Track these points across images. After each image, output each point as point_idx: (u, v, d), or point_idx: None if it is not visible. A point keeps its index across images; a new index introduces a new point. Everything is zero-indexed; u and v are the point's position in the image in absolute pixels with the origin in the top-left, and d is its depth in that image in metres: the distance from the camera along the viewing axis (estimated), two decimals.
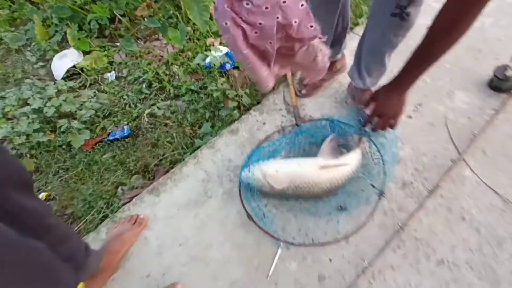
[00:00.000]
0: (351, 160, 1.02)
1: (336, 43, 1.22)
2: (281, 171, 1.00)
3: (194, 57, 1.75)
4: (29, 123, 1.50)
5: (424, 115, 1.22)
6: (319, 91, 1.34)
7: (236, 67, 1.63)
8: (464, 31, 0.70)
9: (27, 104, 1.59)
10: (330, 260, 0.95)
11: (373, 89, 1.21)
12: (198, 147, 1.29)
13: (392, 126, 0.99)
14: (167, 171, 1.25)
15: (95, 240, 1.10)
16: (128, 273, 1.02)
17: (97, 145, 1.51)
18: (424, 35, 0.76)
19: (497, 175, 1.03)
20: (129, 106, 1.64)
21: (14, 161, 0.74)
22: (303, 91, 1.33)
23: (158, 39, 1.96)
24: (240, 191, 1.10)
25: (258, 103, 1.41)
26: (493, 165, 1.06)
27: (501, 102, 1.16)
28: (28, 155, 1.49)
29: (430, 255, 0.92)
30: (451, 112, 1.21)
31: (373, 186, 1.03)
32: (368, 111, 1.00)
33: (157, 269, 1.01)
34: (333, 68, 1.36)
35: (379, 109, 0.97)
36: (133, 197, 1.19)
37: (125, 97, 1.68)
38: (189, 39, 1.84)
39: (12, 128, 1.48)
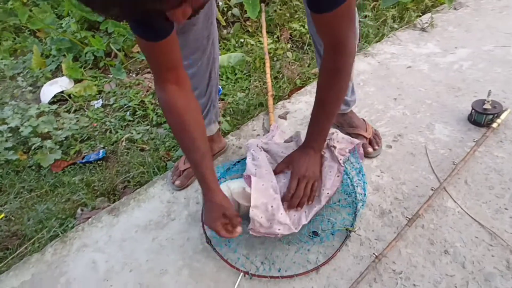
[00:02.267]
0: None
1: (209, 109, 1.13)
2: (248, 188, 0.96)
3: None
4: (1, 141, 1.51)
5: (404, 145, 1.22)
6: (195, 180, 1.17)
7: (222, 99, 1.69)
8: (346, 80, 0.86)
9: (5, 123, 1.62)
10: None
11: (351, 109, 1.23)
12: (170, 169, 1.27)
13: (312, 191, 0.94)
14: (132, 192, 1.21)
15: (38, 262, 1.02)
16: None
17: (68, 167, 1.49)
18: (317, 95, 0.90)
19: (481, 206, 0.99)
20: (110, 132, 1.67)
21: None
22: (177, 182, 1.15)
23: (149, 72, 2.07)
24: (202, 212, 1.04)
25: (238, 128, 1.42)
26: (477, 197, 1.02)
27: (481, 135, 1.17)
28: None
29: None
30: (431, 143, 1.21)
31: (347, 229, 0.97)
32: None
33: None
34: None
35: (297, 173, 0.93)
36: (90, 217, 1.13)
37: (107, 123, 1.71)
38: None
39: None
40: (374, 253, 0.90)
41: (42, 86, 2.00)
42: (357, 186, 1.06)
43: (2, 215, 1.30)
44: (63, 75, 2.03)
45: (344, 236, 0.96)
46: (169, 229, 1.05)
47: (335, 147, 1.02)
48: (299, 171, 0.94)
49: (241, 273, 0.90)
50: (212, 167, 0.87)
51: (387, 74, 1.59)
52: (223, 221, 0.84)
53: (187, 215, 1.08)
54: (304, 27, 2.07)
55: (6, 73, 2.17)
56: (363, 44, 1.86)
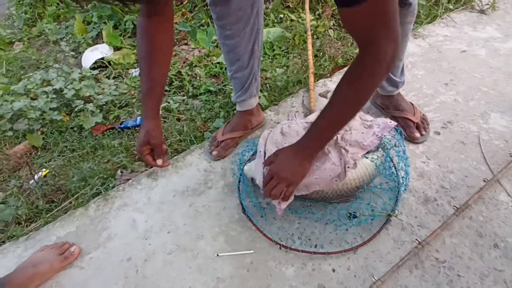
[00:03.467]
0: (368, 162, 0.96)
1: (251, 82, 1.11)
2: None
3: (218, 62, 1.82)
4: (47, 101, 1.58)
5: (454, 132, 1.16)
6: (233, 151, 1.20)
7: None
8: (368, 90, 0.73)
9: (50, 85, 1.69)
10: (334, 270, 0.85)
11: (399, 91, 1.17)
12: (207, 139, 1.28)
13: (285, 195, 0.84)
14: (170, 159, 1.23)
15: (82, 216, 1.08)
16: (108, 253, 0.96)
17: (107, 131, 1.54)
18: (331, 95, 0.77)
19: None
20: None
21: None
22: (214, 152, 1.17)
23: (186, 43, 2.07)
24: (239, 183, 1.05)
25: (275, 104, 1.40)
26: None
27: None
28: (39, 132, 1.55)
29: (453, 282, 0.80)
30: (485, 132, 1.14)
31: (388, 215, 0.93)
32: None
33: (140, 254, 0.95)
34: (248, 125, 1.23)
35: (274, 169, 0.84)
36: (130, 178, 1.17)
37: None
38: (216, 45, 1.93)
39: (30, 103, 1.56)
40: (417, 239, 0.87)
41: (83, 51, 2.06)
42: (399, 170, 1.02)
43: (47, 171, 1.38)
44: (103, 42, 2.08)
45: (384, 220, 0.94)
46: (206, 197, 1.07)
47: (346, 151, 0.91)
48: (275, 169, 0.84)
49: (277, 245, 0.91)
50: (157, 97, 0.89)
51: (439, 58, 1.50)
52: (148, 147, 0.88)
53: (224, 185, 1.10)
54: None
55: (50, 37, 2.25)
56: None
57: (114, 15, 2.15)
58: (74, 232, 1.03)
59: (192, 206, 1.05)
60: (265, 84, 1.60)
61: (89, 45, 2.10)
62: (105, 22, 2.18)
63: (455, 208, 0.92)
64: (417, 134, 1.13)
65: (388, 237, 0.91)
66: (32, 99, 1.65)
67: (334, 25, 1.92)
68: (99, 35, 2.18)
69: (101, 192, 1.14)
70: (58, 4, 2.50)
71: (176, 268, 0.91)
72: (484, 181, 0.98)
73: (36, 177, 1.33)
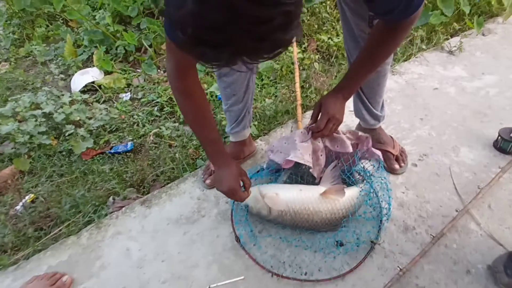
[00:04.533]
0: (354, 193, 1.05)
1: (244, 114, 1.22)
2: (281, 194, 1.03)
3: (208, 89, 1.90)
4: (36, 125, 1.59)
5: (429, 164, 1.28)
6: None
7: None
8: (400, 40, 0.88)
9: (39, 108, 1.70)
10: None
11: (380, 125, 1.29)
12: (200, 167, 1.34)
13: (331, 131, 1.04)
14: (163, 186, 1.27)
15: (74, 245, 1.08)
16: (101, 283, 0.98)
17: (97, 156, 1.56)
18: (365, 43, 0.92)
19: (504, 232, 1.04)
20: (137, 125, 1.74)
21: None
22: (208, 181, 1.25)
23: None
24: (232, 212, 1.11)
25: (265, 134, 1.49)
26: (500, 221, 1.07)
27: (507, 162, 1.22)
28: (26, 156, 1.54)
29: None
30: (456, 165, 1.27)
31: (372, 241, 1.03)
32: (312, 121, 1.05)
33: (134, 283, 0.97)
34: (241, 154, 1.32)
35: (331, 113, 0.99)
36: (123, 206, 1.20)
37: (135, 116, 1.79)
38: (207, 73, 2.02)
39: (18, 127, 1.56)
40: (398, 266, 0.95)
41: (73, 74, 2.08)
42: (382, 201, 1.12)
43: (34, 196, 1.38)
44: (93, 66, 2.12)
45: (369, 248, 1.02)
46: (200, 225, 1.11)
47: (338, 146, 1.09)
48: (329, 112, 0.99)
49: (269, 273, 0.96)
50: (222, 142, 1.03)
51: (414, 94, 1.66)
52: (239, 185, 1.00)
53: (217, 213, 1.15)
54: (331, 39, 2.14)
55: (38, 58, 2.26)
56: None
57: (106, 40, 2.21)
58: (66, 261, 1.04)
59: (186, 235, 1.09)
60: (255, 113, 1.69)
61: (79, 68, 2.13)
62: (96, 46, 2.23)
63: (432, 236, 1.02)
64: (397, 166, 1.24)
65: (372, 264, 0.98)
66: (19, 121, 1.65)
67: (319, 58, 2.08)
68: (90, 58, 2.22)
69: (94, 220, 1.16)
70: (47, 25, 2.53)
71: None
72: (456, 211, 1.09)
73: (21, 202, 1.32)
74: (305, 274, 0.97)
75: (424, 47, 2.03)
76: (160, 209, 1.17)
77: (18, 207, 1.31)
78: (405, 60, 1.93)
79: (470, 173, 1.23)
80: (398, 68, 1.85)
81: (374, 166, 1.13)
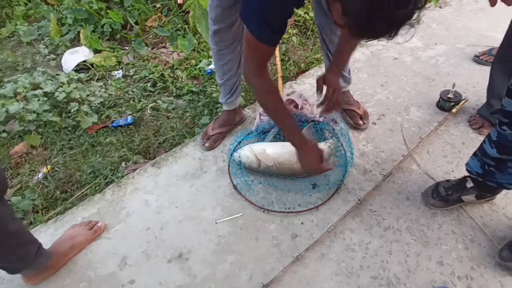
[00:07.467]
0: (324, 146, 1.37)
1: (237, 86, 1.46)
2: (268, 150, 1.34)
3: (197, 65, 2.12)
4: (40, 104, 1.78)
5: (385, 122, 1.62)
6: (221, 143, 1.55)
7: None
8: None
9: (39, 88, 1.87)
10: (302, 223, 1.26)
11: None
12: (197, 134, 1.61)
13: (338, 102, 1.30)
14: (168, 151, 1.55)
15: (100, 200, 1.36)
16: (129, 226, 1.27)
17: (101, 130, 1.79)
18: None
19: (436, 169, 1.41)
20: (133, 100, 1.96)
21: (2, 172, 0.90)
22: (206, 144, 1.51)
23: (165, 47, 2.34)
24: (229, 167, 1.41)
25: (251, 103, 1.77)
26: (434, 162, 1.44)
27: (444, 117, 1.58)
28: (35, 133, 1.75)
29: (380, 223, 1.25)
30: (406, 122, 1.61)
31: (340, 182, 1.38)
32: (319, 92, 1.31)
33: (156, 224, 1.27)
34: (232, 121, 1.58)
35: (334, 86, 1.26)
36: (136, 169, 1.47)
37: (130, 92, 2.00)
38: (194, 49, 2.23)
39: (24, 107, 1.75)
40: (357, 198, 1.30)
41: (61, 54, 2.23)
42: (346, 152, 1.45)
43: (49, 167, 1.61)
44: (81, 45, 2.26)
45: (336, 187, 1.36)
46: (203, 179, 1.41)
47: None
48: (333, 85, 1.25)
49: (261, 209, 1.29)
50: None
51: (377, 64, 1.97)
52: (322, 160, 1.22)
53: (216, 169, 1.45)
54: (308, 14, 2.38)
55: (23, 38, 2.36)
56: None
57: (91, 18, 2.33)
58: (96, 213, 1.32)
59: (192, 187, 1.39)
60: (242, 85, 1.95)
61: (67, 48, 2.27)
62: (81, 25, 2.35)
63: (383, 175, 1.37)
64: (361, 122, 1.57)
65: (339, 198, 1.33)
66: (20, 101, 1.82)
67: (296, 33, 2.32)
68: (76, 37, 2.35)
69: (114, 180, 1.43)
70: (26, 3, 2.59)
71: (186, 232, 1.25)
72: (403, 156, 1.45)
73: (40, 173, 1.56)
74: (289, 208, 1.30)
75: None
76: (169, 169, 1.46)
77: (39, 176, 1.54)
78: None
79: (416, 128, 1.59)
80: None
81: (336, 122, 1.47)
